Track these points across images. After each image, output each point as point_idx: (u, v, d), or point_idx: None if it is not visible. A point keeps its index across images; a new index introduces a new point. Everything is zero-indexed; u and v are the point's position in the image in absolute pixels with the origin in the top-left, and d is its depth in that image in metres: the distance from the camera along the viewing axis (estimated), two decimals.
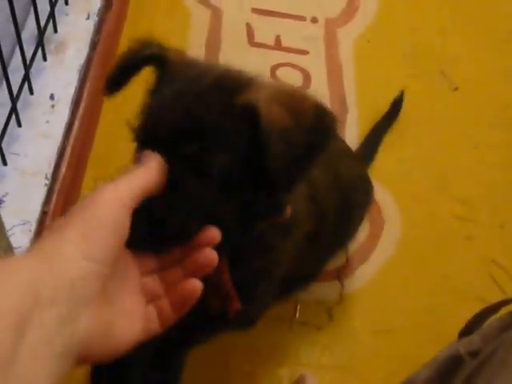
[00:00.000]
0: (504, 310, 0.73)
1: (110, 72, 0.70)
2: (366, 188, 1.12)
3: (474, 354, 0.67)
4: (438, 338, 0.86)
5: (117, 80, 0.70)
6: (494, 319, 0.72)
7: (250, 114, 0.59)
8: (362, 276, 1.25)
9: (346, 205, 1.01)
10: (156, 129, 0.61)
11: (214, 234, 0.58)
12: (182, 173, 0.59)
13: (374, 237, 1.30)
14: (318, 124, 0.63)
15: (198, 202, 0.60)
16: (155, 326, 0.55)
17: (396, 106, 1.45)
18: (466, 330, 0.76)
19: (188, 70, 0.66)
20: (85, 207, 0.49)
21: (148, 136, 0.62)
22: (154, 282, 0.57)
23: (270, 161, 0.59)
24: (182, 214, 0.59)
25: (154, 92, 0.68)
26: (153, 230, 0.57)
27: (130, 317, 0.53)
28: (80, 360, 0.46)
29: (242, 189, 0.62)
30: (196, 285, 0.55)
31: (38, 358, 0.39)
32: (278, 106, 0.60)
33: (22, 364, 0.38)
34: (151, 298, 0.56)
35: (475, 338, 0.69)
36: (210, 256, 0.56)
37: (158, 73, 0.69)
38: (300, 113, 0.62)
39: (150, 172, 0.55)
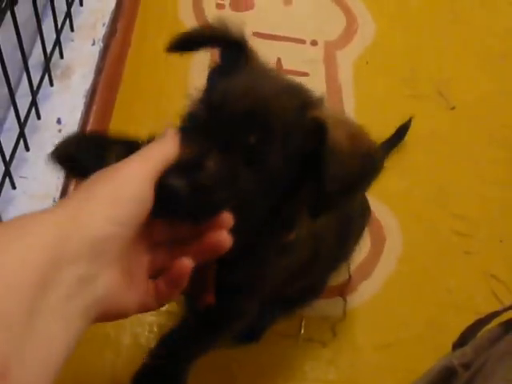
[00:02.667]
0: (495, 322, 0.74)
1: (181, 34, 0.71)
2: (364, 213, 1.13)
3: (466, 365, 0.68)
4: (440, 352, 0.86)
5: (183, 45, 0.72)
6: (485, 331, 0.73)
7: (318, 129, 0.61)
8: (365, 292, 1.25)
9: (345, 232, 1.02)
10: (222, 108, 0.61)
11: (229, 218, 0.56)
12: (234, 157, 0.59)
13: (376, 253, 1.31)
14: (370, 156, 0.65)
15: (237, 186, 0.59)
16: (152, 302, 0.55)
17: (401, 131, 1.44)
18: (460, 342, 0.76)
19: (263, 67, 0.68)
20: (112, 177, 0.49)
21: (211, 113, 0.61)
22: (163, 257, 0.57)
23: (326, 178, 0.61)
24: (220, 192, 0.58)
25: (220, 73, 0.69)
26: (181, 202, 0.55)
27: (136, 288, 0.53)
28: (96, 320, 0.46)
29: (278, 189, 0.63)
30: (184, 264, 0.53)
31: (58, 317, 0.39)
32: (342, 130, 0.62)
33: (43, 321, 0.38)
34: (154, 274, 0.56)
35: (467, 350, 0.70)
36: (225, 238, 0.55)
37: (225, 56, 0.70)
38: (358, 142, 0.64)
39: (171, 146, 0.56)
